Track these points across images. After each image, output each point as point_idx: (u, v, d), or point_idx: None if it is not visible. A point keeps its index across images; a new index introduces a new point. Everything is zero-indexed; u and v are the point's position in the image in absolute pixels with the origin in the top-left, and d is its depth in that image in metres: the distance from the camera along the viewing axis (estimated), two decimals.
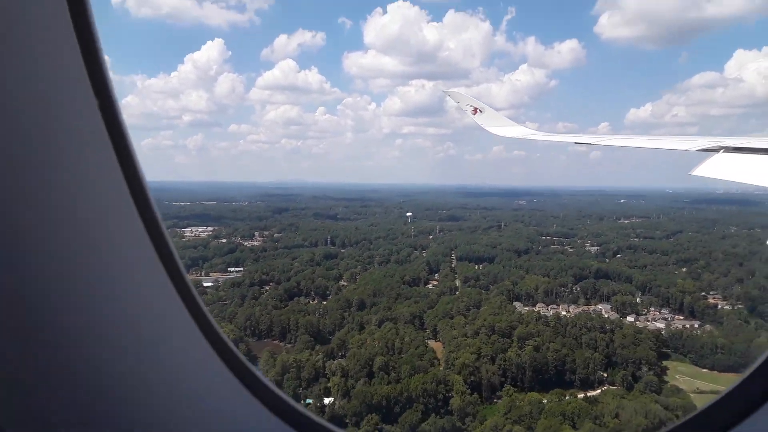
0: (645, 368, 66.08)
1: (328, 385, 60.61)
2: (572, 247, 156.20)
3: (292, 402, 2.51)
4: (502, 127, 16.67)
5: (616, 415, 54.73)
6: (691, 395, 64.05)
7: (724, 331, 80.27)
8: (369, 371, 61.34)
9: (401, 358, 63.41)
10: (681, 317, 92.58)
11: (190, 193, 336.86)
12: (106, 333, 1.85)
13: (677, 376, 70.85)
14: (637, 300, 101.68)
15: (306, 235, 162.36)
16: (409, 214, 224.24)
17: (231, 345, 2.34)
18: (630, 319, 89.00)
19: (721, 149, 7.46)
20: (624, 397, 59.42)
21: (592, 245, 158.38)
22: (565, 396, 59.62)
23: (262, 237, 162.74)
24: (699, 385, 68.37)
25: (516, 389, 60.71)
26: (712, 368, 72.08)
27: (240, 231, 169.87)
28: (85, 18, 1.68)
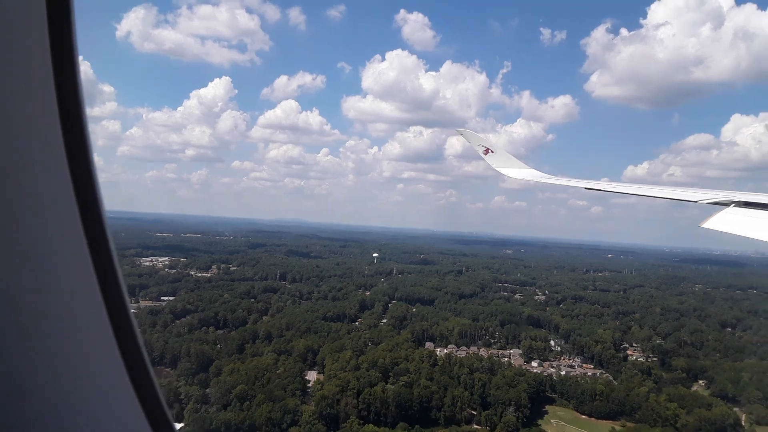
0: (511, 409, 66.38)
1: (184, 411, 61.35)
2: (522, 294, 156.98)
3: None
4: (513, 169, 16.54)
5: None
6: None
7: (622, 380, 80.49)
8: (229, 399, 62.23)
9: (266, 387, 64.24)
10: (590, 366, 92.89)
11: (180, 226, 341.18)
12: (22, 337, 1.81)
13: (552, 421, 70.90)
14: (557, 347, 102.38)
15: (262, 269, 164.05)
16: (375, 254, 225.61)
17: (153, 376, 2.33)
18: (534, 364, 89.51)
19: (731, 203, 7.33)
20: None
21: (542, 294, 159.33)
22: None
23: (218, 269, 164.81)
24: (569, 430, 68.71)
25: (362, 423, 61.09)
26: (590, 415, 72.16)
27: (198, 263, 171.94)
28: (63, 22, 1.67)
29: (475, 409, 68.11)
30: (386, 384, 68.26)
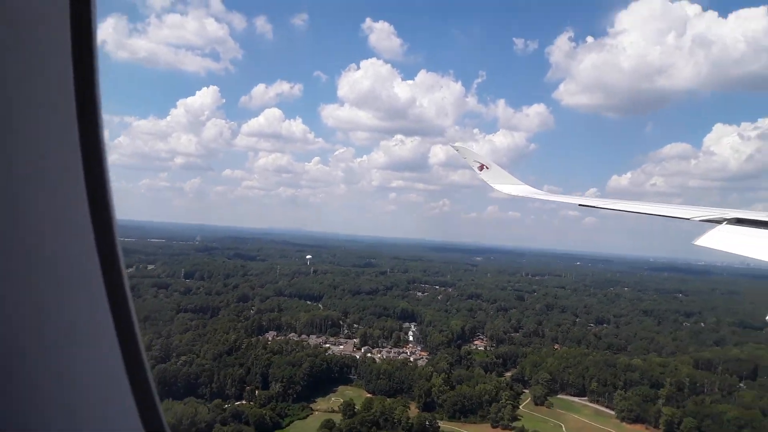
0: (278, 385, 69.72)
1: None
2: (428, 293, 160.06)
3: None
4: (509, 185, 16.55)
5: None
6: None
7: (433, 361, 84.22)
8: None
9: None
10: (425, 352, 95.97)
11: (150, 232, 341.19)
12: (26, 331, 1.81)
13: (333, 398, 74.16)
14: (410, 336, 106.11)
15: (173, 268, 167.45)
16: (308, 257, 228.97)
17: (149, 374, 2.32)
18: (362, 350, 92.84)
19: (724, 221, 7.36)
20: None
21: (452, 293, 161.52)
22: None
23: (136, 269, 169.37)
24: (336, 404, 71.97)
25: None
26: (374, 392, 75.27)
27: (125, 262, 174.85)
28: (85, 21, 1.70)
29: (250, 385, 71.45)
30: (163, 364, 71.56)
